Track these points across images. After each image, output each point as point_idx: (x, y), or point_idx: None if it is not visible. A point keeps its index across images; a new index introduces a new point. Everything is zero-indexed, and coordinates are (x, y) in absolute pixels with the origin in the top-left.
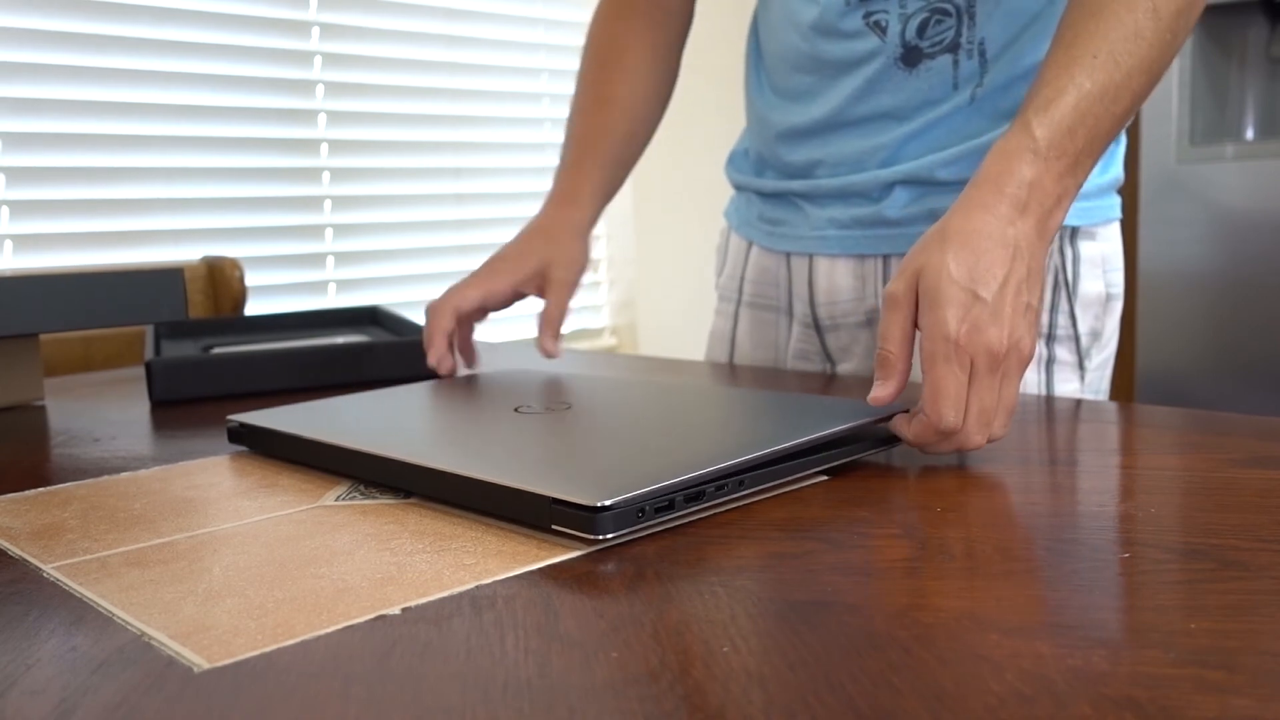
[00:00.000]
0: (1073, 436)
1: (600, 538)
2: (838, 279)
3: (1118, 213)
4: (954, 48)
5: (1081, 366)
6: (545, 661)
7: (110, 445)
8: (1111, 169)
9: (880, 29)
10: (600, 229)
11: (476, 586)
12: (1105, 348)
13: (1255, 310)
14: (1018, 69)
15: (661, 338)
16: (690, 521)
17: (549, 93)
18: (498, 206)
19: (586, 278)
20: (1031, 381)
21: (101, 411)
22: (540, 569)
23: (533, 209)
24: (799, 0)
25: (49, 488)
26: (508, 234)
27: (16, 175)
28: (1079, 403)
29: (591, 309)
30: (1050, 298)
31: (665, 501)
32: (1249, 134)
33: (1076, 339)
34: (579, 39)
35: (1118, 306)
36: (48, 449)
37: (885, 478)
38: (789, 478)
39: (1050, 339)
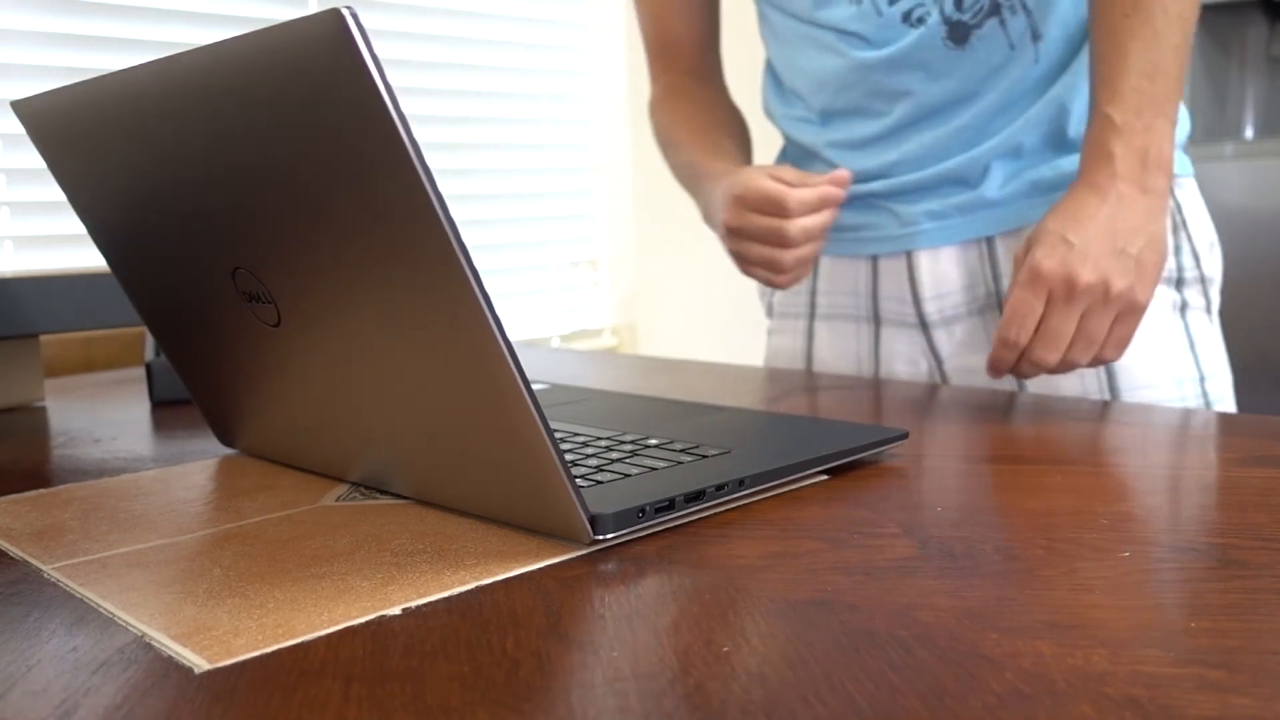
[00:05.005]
0: (1073, 436)
1: (600, 538)
2: (943, 270)
3: (1190, 168)
4: (995, 9)
5: (1209, 310)
6: (545, 661)
7: (110, 446)
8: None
9: (920, 22)
10: (599, 228)
11: (476, 586)
12: (1219, 295)
13: (1255, 310)
14: (1069, 9)
15: (661, 338)
16: (690, 521)
17: (548, 93)
18: (502, 206)
19: (587, 276)
20: (1174, 330)
21: (102, 412)
22: (540, 569)
23: (534, 208)
24: (830, 26)
25: (49, 489)
26: (514, 234)
27: (16, 175)
28: (1075, 402)
29: (591, 309)
30: (1170, 241)
31: (665, 501)
32: (1249, 133)
33: (1203, 281)
34: (579, 38)
35: (1219, 254)
36: (48, 450)
37: (885, 478)
38: (789, 478)
39: (1179, 283)
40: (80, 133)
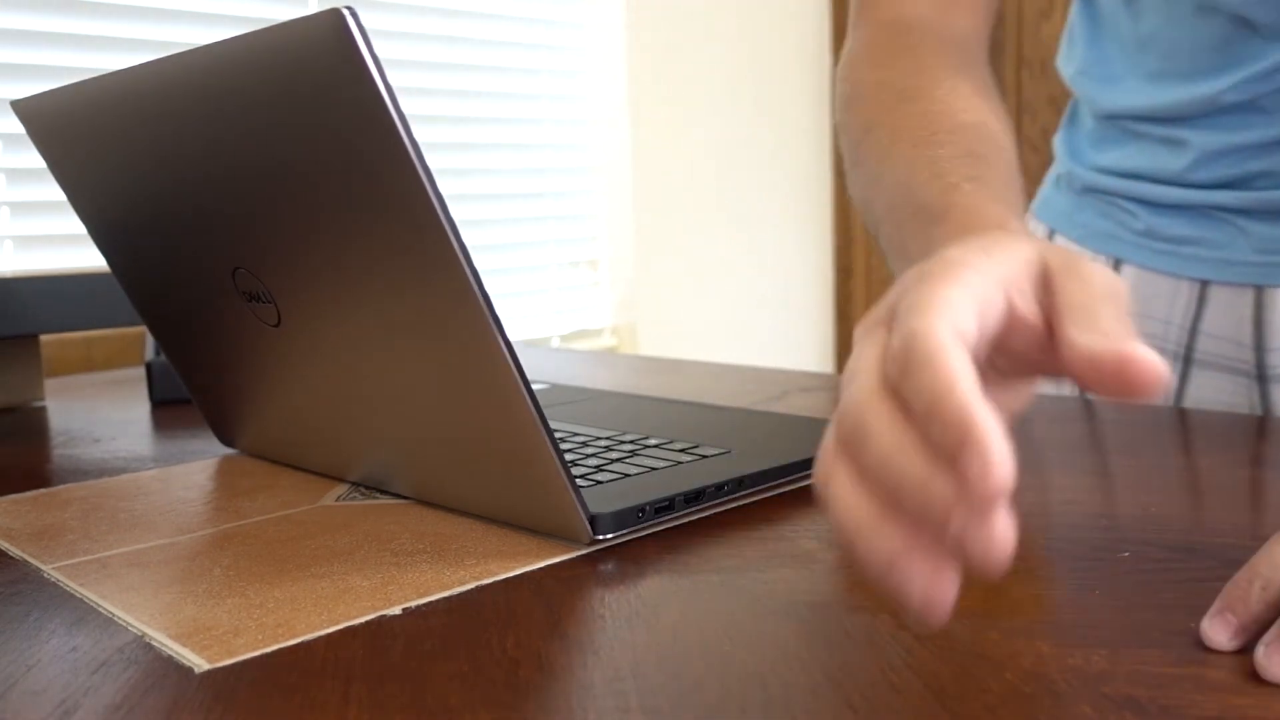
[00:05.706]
0: (1073, 436)
1: (600, 538)
2: None
3: None
4: None
5: None
6: (545, 661)
7: (110, 446)
8: None
9: None
10: (599, 228)
11: (476, 586)
12: None
13: None
14: None
15: (661, 338)
16: (690, 521)
17: (548, 93)
18: (502, 206)
19: (587, 276)
20: None
21: (101, 412)
22: (540, 569)
23: (534, 208)
24: (1239, 12)
25: (49, 488)
26: (514, 234)
27: (16, 175)
28: (1076, 401)
29: (591, 309)
30: None
31: (665, 501)
32: None
33: None
34: (579, 38)
35: None
36: (48, 450)
37: None
38: (789, 478)
39: None
40: (80, 133)
